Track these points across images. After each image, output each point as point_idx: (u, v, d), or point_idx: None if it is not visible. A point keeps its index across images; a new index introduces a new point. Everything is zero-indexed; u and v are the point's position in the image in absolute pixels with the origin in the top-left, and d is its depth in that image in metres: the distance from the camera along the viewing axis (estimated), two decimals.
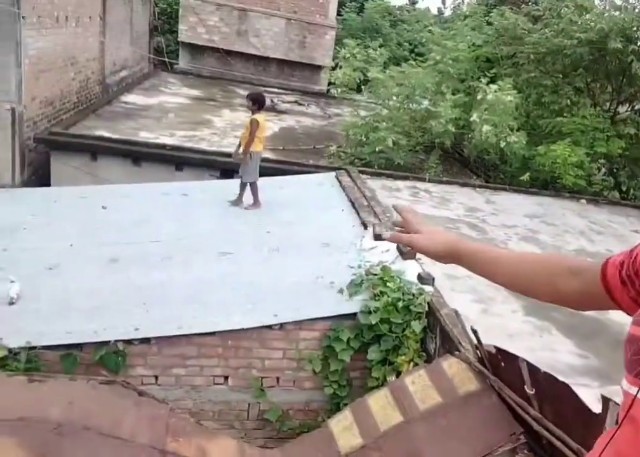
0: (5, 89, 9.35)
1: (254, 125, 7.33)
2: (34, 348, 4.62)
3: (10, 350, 4.54)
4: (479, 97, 9.96)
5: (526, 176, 9.74)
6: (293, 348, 5.11)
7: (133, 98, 13.88)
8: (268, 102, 15.49)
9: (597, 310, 1.21)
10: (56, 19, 10.83)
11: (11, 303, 5.22)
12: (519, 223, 7.88)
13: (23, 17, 9.26)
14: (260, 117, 7.43)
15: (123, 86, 15.07)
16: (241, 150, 7.57)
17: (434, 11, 32.52)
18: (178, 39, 19.04)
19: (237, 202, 7.69)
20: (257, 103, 7.39)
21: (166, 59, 18.26)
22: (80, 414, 3.01)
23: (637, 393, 0.86)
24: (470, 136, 10.19)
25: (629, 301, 1.05)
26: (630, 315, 1.02)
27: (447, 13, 30.85)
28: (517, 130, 9.95)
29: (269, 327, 5.08)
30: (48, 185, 9.43)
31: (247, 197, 7.69)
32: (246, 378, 5.07)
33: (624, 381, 0.90)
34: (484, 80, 10.14)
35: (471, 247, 1.33)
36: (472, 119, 9.63)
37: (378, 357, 5.02)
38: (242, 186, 7.67)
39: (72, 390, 3.18)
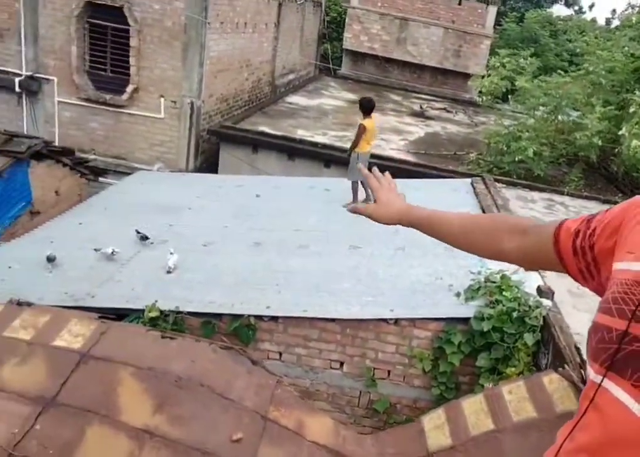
0: (188, 85, 10.11)
1: (360, 129, 7.36)
2: (181, 312, 4.97)
3: (162, 312, 4.93)
4: (631, 110, 9.00)
5: None
6: (406, 344, 5.00)
7: (297, 99, 14.34)
8: (417, 107, 15.29)
9: (541, 269, 1.13)
10: (236, 25, 11.47)
11: (169, 272, 5.66)
12: None
13: (208, 23, 9.92)
14: (368, 121, 7.39)
15: (290, 88, 15.64)
16: (350, 152, 7.58)
17: (602, 21, 30.00)
18: (343, 46, 19.35)
19: (354, 202, 7.52)
20: (363, 108, 7.41)
21: (330, 65, 18.64)
22: (199, 371, 3.17)
23: (601, 381, 0.80)
24: (618, 150, 9.26)
25: (576, 271, 1.00)
26: (576, 281, 1.01)
27: (617, 22, 28.26)
28: None
29: (385, 320, 5.01)
30: (216, 172, 10.08)
31: (360, 194, 7.49)
32: (360, 367, 5.05)
33: (589, 370, 0.85)
34: (638, 93, 9.14)
35: (423, 213, 1.37)
36: (621, 133, 8.73)
37: (488, 364, 4.75)
38: (354, 185, 7.57)
39: (195, 350, 3.36)
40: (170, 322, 4.91)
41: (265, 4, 13.02)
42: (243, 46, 12.07)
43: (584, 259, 0.97)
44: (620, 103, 10.20)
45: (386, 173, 1.50)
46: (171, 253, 5.75)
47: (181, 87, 10.12)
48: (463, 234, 1.24)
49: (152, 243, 6.37)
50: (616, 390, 0.78)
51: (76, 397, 2.81)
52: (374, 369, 5.02)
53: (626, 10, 24.12)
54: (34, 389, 2.75)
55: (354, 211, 1.47)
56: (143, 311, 4.91)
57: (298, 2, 16.03)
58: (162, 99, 10.13)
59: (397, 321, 5.01)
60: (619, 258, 0.87)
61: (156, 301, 4.98)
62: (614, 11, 30.60)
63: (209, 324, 5.02)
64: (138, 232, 6.34)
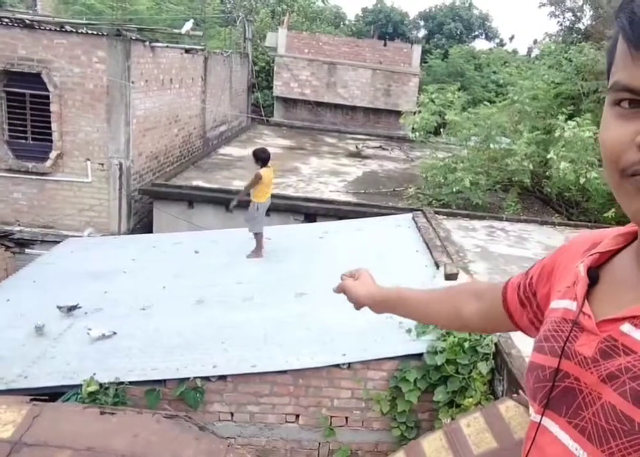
0: (115, 146, 10.11)
1: (256, 177, 7.52)
2: (122, 383, 4.84)
3: (101, 385, 4.78)
4: (556, 134, 9.58)
5: (611, 213, 9.16)
6: (361, 387, 5.02)
7: (230, 150, 14.54)
8: (352, 148, 15.75)
9: (499, 332, 1.21)
10: (162, 82, 11.64)
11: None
12: None
13: (132, 82, 10.03)
14: (265, 170, 7.58)
15: (222, 140, 15.84)
16: (236, 200, 7.78)
17: (523, 51, 31.98)
18: (274, 94, 19.87)
19: (257, 253, 7.72)
20: (258, 159, 7.62)
21: (262, 114, 19.05)
22: (142, 446, 3.10)
23: (540, 420, 0.83)
24: (549, 173, 9.78)
25: (527, 323, 1.04)
26: (530, 335, 1.02)
27: (537, 51, 30.24)
28: (599, 166, 9.42)
29: (338, 366, 5.03)
30: (151, 231, 10.00)
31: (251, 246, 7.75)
32: (316, 417, 5.01)
33: (531, 410, 0.87)
34: (561, 118, 9.75)
35: (392, 291, 1.36)
36: (549, 156, 9.25)
37: (445, 398, 4.82)
38: (256, 237, 7.73)
39: (137, 423, 3.28)
40: (111, 395, 4.77)
41: (190, 59, 13.30)
42: (170, 102, 12.22)
43: (531, 308, 1.03)
44: (545, 128, 10.84)
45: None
46: (88, 332, 5.61)
47: (108, 148, 10.10)
48: (427, 307, 1.28)
49: (85, 313, 6.23)
50: (555, 428, 0.81)
51: None
52: (331, 417, 5.00)
53: (543, 39, 25.90)
54: None
55: (339, 291, 1.45)
56: (81, 386, 4.76)
57: (224, 55, 16.46)
58: (88, 163, 10.07)
59: (350, 365, 5.04)
60: (552, 299, 0.93)
61: (94, 374, 4.85)
62: (535, 41, 32.72)
63: (153, 392, 4.91)
64: (60, 307, 6.14)
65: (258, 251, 7.72)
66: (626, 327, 0.74)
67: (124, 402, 4.78)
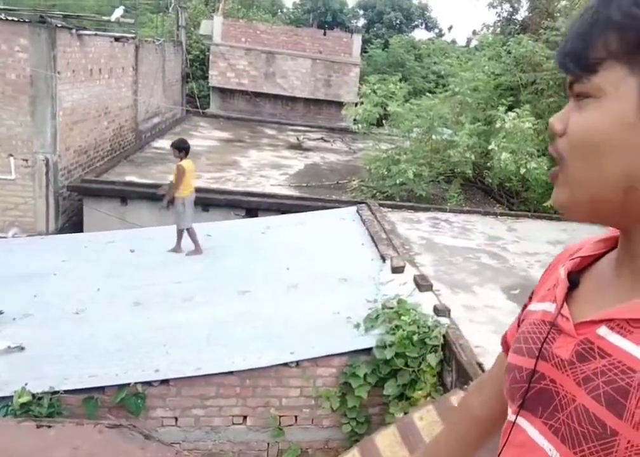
0: (41, 141, 9.74)
1: (179, 171, 7.43)
2: (57, 392, 4.68)
3: (34, 395, 4.62)
4: (497, 125, 9.88)
5: (549, 202, 9.54)
6: (310, 385, 5.05)
7: (164, 143, 14.22)
8: (293, 140, 15.75)
9: None
10: (90, 72, 11.28)
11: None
12: (541, 250, 7.69)
13: (58, 72, 9.68)
14: (187, 162, 7.54)
15: (156, 132, 15.51)
16: (167, 197, 7.65)
17: (462, 42, 32.74)
18: (209, 85, 19.60)
19: (176, 249, 7.67)
20: (182, 150, 7.54)
21: (198, 104, 18.76)
22: None
23: (515, 420, 0.85)
24: (490, 164, 10.09)
25: None
26: None
27: (475, 42, 31.05)
28: (539, 156, 9.80)
29: (286, 364, 5.04)
30: (81, 231, 9.69)
31: (188, 244, 7.67)
32: (265, 417, 5.01)
33: (508, 410, 0.89)
34: (501, 109, 10.07)
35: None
36: (490, 147, 9.54)
37: (395, 392, 4.91)
38: (179, 233, 7.66)
39: (78, 435, 3.20)
40: (45, 406, 4.60)
41: (120, 48, 12.94)
42: (100, 93, 11.86)
43: None
44: (486, 119, 11.16)
45: None
46: None
47: (33, 143, 9.73)
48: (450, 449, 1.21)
49: (14, 319, 5.98)
50: (529, 428, 0.83)
51: None
52: (279, 416, 5.00)
53: (481, 30, 26.61)
54: None
55: None
56: (11, 398, 4.58)
57: (157, 43, 16.10)
58: (11, 159, 9.66)
59: (298, 363, 5.06)
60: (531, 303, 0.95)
61: (26, 384, 4.67)
62: (474, 31, 33.54)
63: (91, 400, 4.78)
64: None
65: (197, 248, 7.62)
66: (602, 330, 0.76)
67: (60, 412, 4.63)
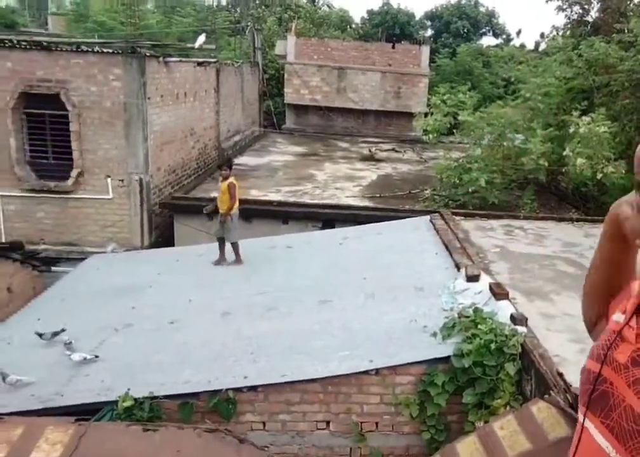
0: (134, 162, 10.26)
1: (234, 189, 7.70)
2: (156, 397, 4.91)
3: (136, 400, 4.86)
4: (571, 130, 9.55)
5: None
6: (390, 392, 5.06)
7: (245, 159, 14.65)
8: (366, 152, 15.78)
9: None
10: (176, 96, 11.78)
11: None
12: None
13: (148, 98, 10.18)
14: (235, 179, 7.87)
15: (237, 149, 15.97)
16: (221, 212, 7.88)
17: (530, 45, 31.72)
18: (285, 101, 19.98)
19: (221, 261, 7.98)
20: (226, 169, 7.78)
21: (274, 121, 19.17)
22: None
23: (583, 420, 0.92)
24: (565, 170, 9.75)
25: None
26: None
27: (544, 45, 29.99)
28: (615, 159, 9.38)
29: (366, 372, 5.07)
30: (173, 245, 10.12)
31: (230, 254, 7.99)
32: (346, 423, 5.06)
33: (579, 412, 0.96)
34: (575, 113, 9.72)
35: None
36: (565, 153, 9.22)
37: (474, 400, 4.84)
38: (222, 244, 7.93)
39: (180, 439, 3.37)
40: (146, 410, 4.84)
41: (203, 72, 13.45)
42: (185, 115, 12.37)
43: None
44: (559, 124, 10.80)
45: None
46: (68, 350, 5.67)
47: (127, 164, 10.25)
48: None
49: (115, 330, 6.34)
50: (592, 428, 0.90)
51: None
52: (361, 423, 5.04)
53: (551, 33, 25.72)
54: None
55: None
56: (116, 402, 4.84)
57: (236, 65, 16.60)
58: (109, 180, 10.23)
59: (377, 371, 5.07)
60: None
61: (128, 389, 4.92)
62: (542, 34, 32.41)
63: (186, 405, 4.98)
64: (40, 334, 6.04)
65: (238, 260, 8.00)
66: None
67: (159, 416, 4.85)
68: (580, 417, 0.94)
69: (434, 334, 5.32)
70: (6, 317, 7.25)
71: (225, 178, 7.81)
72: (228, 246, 8.02)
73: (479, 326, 5.15)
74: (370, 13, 33.68)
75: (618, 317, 0.94)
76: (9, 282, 7.82)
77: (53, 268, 9.14)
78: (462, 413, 4.94)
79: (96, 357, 5.66)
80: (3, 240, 8.85)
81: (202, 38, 12.44)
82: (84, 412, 4.42)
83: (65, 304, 7.40)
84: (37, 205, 10.38)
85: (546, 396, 3.94)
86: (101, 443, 3.15)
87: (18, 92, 9.90)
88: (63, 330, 6.12)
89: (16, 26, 21.48)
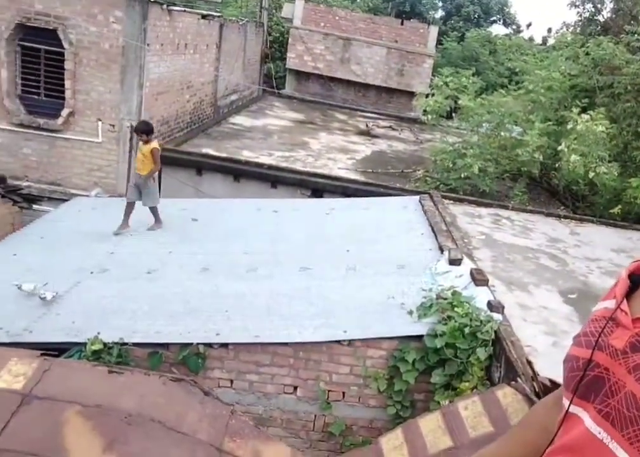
0: (127, 108, 10.03)
1: (157, 154, 7.35)
2: (126, 344, 4.88)
3: (105, 344, 4.82)
4: (569, 126, 9.51)
5: (617, 209, 9.14)
6: (360, 364, 5.07)
7: (241, 120, 14.42)
8: (363, 126, 15.63)
9: None
10: (176, 46, 11.48)
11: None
12: (603, 256, 7.39)
13: (147, 45, 9.90)
14: (157, 143, 7.49)
15: (233, 109, 15.70)
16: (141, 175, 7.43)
17: (539, 39, 31.49)
18: (286, 66, 19.63)
19: (124, 227, 7.50)
20: (147, 132, 7.36)
21: (274, 85, 18.85)
22: (149, 406, 3.14)
23: (569, 406, 0.89)
24: (558, 165, 9.73)
25: None
26: None
27: (552, 41, 29.76)
28: (610, 161, 9.39)
29: (338, 342, 5.07)
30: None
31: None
32: (314, 390, 5.07)
33: (564, 398, 0.93)
34: (575, 110, 9.67)
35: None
36: (559, 148, 9.19)
37: (442, 381, 4.87)
38: (131, 209, 7.55)
39: (144, 384, 3.32)
40: (114, 355, 4.81)
41: (206, 25, 13.10)
42: (184, 68, 12.07)
43: None
44: (558, 120, 10.75)
45: None
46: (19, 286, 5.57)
47: (120, 110, 10.02)
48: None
49: (91, 273, 6.25)
50: (582, 414, 0.87)
51: (19, 441, 2.73)
52: (328, 391, 5.05)
53: (561, 29, 25.52)
54: None
55: None
56: (85, 344, 4.80)
57: (240, 23, 16.21)
58: (99, 123, 10.00)
59: (350, 342, 5.07)
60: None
61: (98, 333, 4.88)
62: (549, 29, 32.16)
63: (156, 354, 4.95)
64: (19, 287, 5.71)
65: (158, 222, 7.68)
66: None
67: (127, 362, 4.82)
68: (565, 403, 0.91)
69: (410, 312, 5.32)
70: None
71: (146, 142, 7.38)
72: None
73: (456, 309, 5.15)
74: None
75: (609, 304, 0.91)
76: None
77: (34, 206, 8.98)
78: (429, 392, 4.98)
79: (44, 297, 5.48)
80: None
81: None
82: (52, 351, 4.37)
83: (43, 242, 7.27)
84: (24, 141, 10.13)
85: (513, 382, 3.97)
86: (64, 380, 3.10)
87: (15, 23, 9.56)
88: (41, 291, 5.71)
89: None
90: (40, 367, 3.14)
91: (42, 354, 3.31)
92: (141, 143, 7.52)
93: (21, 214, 8.37)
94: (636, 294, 0.89)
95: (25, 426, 2.78)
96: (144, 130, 7.41)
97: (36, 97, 10.11)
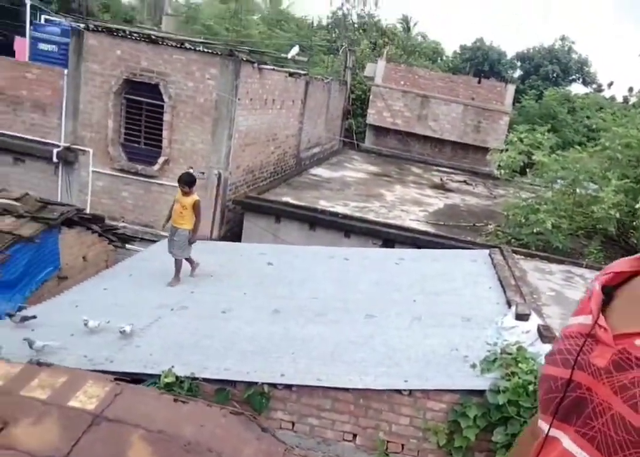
0: (217, 157, 10.54)
1: (199, 208, 7.17)
2: (196, 379, 4.98)
3: (177, 378, 4.95)
4: None
5: None
6: (420, 416, 4.90)
7: (321, 171, 14.75)
8: (437, 180, 15.57)
9: None
10: (264, 101, 12.04)
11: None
12: None
13: (238, 99, 10.45)
14: (196, 196, 7.26)
15: (314, 160, 16.12)
16: (177, 228, 7.27)
17: (620, 99, 30.55)
18: (366, 122, 20.03)
19: (177, 280, 7.33)
20: (190, 183, 7.11)
21: (354, 139, 19.23)
22: (208, 436, 3.17)
23: (548, 430, 0.82)
24: (636, 223, 9.25)
25: None
26: None
27: (634, 99, 28.74)
28: None
29: (399, 391, 4.94)
30: (240, 240, 10.29)
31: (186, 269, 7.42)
32: (373, 440, 4.94)
33: (540, 422, 0.85)
34: None
35: None
36: (637, 206, 8.75)
37: (504, 440, 4.61)
38: (181, 262, 7.36)
39: (205, 414, 3.37)
40: (185, 388, 4.92)
41: (293, 83, 13.68)
42: (270, 121, 12.60)
43: None
44: (636, 177, 10.28)
45: None
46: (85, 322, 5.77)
47: (210, 159, 10.55)
48: None
49: (172, 309, 6.48)
50: (563, 438, 0.81)
51: None
52: (387, 442, 4.90)
53: None
54: (46, 449, 2.79)
55: None
56: (159, 376, 4.94)
57: (325, 81, 16.80)
58: (190, 171, 10.55)
59: (411, 392, 4.94)
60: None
61: (172, 366, 5.01)
62: (631, 88, 31.10)
63: (223, 391, 5.02)
64: (10, 315, 5.86)
65: (177, 278, 7.42)
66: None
67: (196, 396, 4.90)
68: (544, 426, 0.83)
69: (473, 366, 5.13)
70: (77, 283, 7.55)
71: (188, 194, 7.18)
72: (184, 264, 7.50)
73: (520, 365, 4.92)
74: (462, 47, 33.41)
75: (583, 319, 0.84)
76: (86, 251, 8.15)
77: (127, 246, 9.48)
78: (490, 451, 4.73)
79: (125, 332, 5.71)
80: (88, 212, 9.26)
81: (295, 49, 12.68)
82: (129, 382, 4.53)
83: (131, 279, 7.64)
84: (123, 185, 10.83)
85: None
86: (133, 404, 3.21)
87: (123, 78, 10.40)
88: (34, 316, 5.92)
89: (133, 22, 22.62)
90: (113, 391, 3.26)
91: (115, 379, 3.45)
92: (179, 194, 7.28)
93: (115, 253, 8.85)
94: (611, 307, 0.82)
95: (94, 445, 2.89)
96: (187, 181, 7.20)
97: (136, 145, 10.83)
